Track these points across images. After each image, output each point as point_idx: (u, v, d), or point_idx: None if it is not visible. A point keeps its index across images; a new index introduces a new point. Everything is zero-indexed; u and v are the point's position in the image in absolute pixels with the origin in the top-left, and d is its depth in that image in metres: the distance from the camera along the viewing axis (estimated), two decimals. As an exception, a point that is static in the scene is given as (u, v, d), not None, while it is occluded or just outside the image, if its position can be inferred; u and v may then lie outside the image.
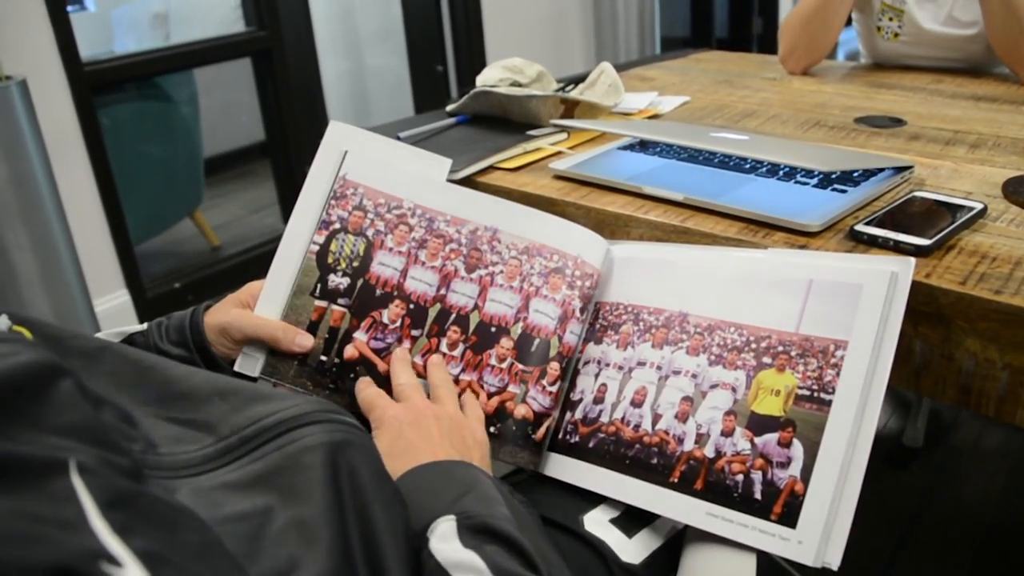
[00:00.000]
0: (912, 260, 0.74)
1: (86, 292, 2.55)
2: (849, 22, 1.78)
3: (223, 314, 0.86)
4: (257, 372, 0.85)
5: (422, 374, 0.84)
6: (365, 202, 0.89)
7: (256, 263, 3.19)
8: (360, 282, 0.87)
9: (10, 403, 0.42)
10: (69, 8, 2.65)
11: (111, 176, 2.78)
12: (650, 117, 1.42)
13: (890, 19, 1.69)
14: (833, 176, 1.02)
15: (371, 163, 0.90)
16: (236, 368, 0.85)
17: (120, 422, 0.57)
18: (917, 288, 0.78)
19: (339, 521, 0.54)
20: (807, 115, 1.38)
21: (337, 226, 0.89)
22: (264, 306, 0.87)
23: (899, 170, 1.04)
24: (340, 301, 0.87)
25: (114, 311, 2.83)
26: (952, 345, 0.78)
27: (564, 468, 0.82)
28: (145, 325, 0.87)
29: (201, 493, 0.54)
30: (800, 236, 0.89)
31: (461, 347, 0.85)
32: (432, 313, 0.86)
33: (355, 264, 0.88)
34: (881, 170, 1.04)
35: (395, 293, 0.87)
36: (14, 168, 2.26)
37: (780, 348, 0.75)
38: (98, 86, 2.74)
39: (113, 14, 4.92)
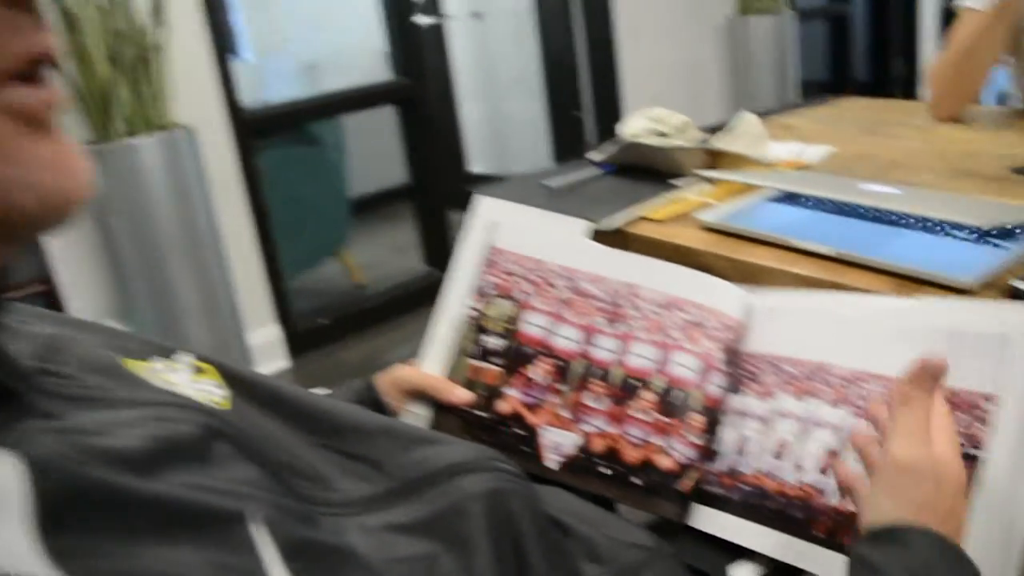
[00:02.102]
0: None
1: (240, 325, 2.69)
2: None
3: (393, 370, 0.95)
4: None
5: (569, 427, 0.88)
6: (514, 267, 0.95)
7: (398, 302, 3.31)
8: (511, 342, 0.93)
9: (179, 466, 0.46)
10: (230, 58, 2.83)
11: (267, 216, 2.93)
12: (795, 167, 1.43)
13: (1047, 64, 1.64)
14: (992, 232, 1.01)
15: (517, 231, 0.97)
16: None
17: (293, 458, 0.62)
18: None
19: (499, 569, 0.58)
20: (958, 165, 1.35)
21: (490, 291, 0.95)
22: (427, 364, 0.96)
23: (1060, 225, 1.01)
24: (494, 360, 0.93)
25: (265, 344, 2.97)
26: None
27: (708, 519, 0.84)
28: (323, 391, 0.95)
29: (370, 532, 0.57)
30: (955, 293, 0.88)
31: (605, 400, 0.89)
32: (577, 368, 0.90)
33: (507, 325, 0.94)
34: (1041, 225, 1.01)
35: (542, 351, 0.91)
36: (181, 208, 2.43)
37: None
38: (256, 132, 2.91)
39: (267, 63, 5.19)
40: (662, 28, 4.11)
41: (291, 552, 0.44)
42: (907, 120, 1.72)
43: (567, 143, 4.20)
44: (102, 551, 0.35)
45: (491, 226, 0.98)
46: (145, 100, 2.36)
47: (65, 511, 0.35)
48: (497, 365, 0.93)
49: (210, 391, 0.60)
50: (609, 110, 3.97)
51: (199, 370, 0.62)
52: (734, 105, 4.31)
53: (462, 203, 1.11)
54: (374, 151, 4.72)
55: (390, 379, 0.94)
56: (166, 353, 0.60)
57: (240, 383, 0.64)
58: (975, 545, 0.67)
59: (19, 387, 0.41)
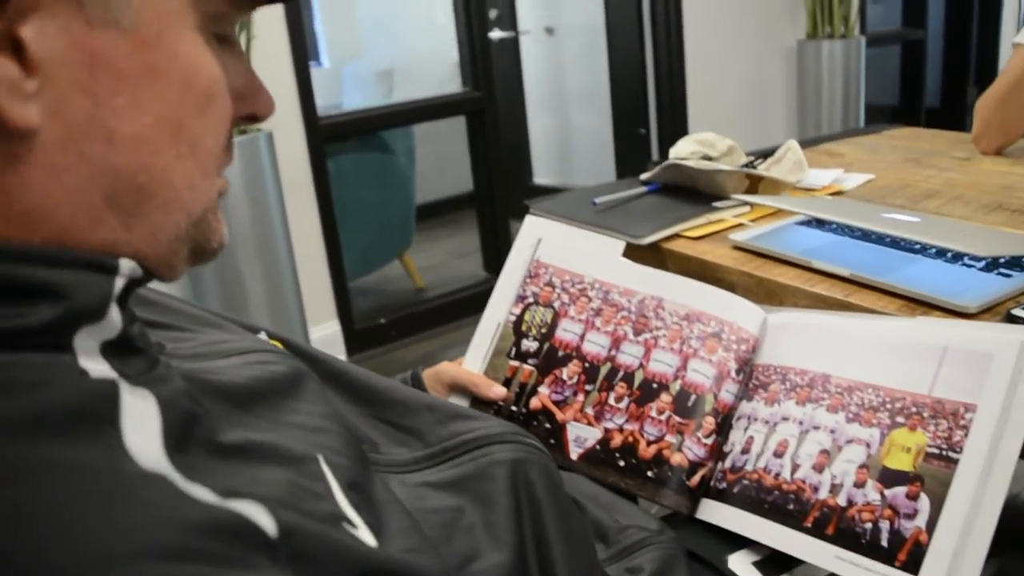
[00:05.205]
0: None
1: (304, 320, 2.83)
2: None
3: (438, 365, 1.04)
4: None
5: (592, 423, 0.97)
6: (554, 279, 1.05)
7: (456, 306, 3.41)
8: (546, 345, 1.03)
9: (274, 400, 0.58)
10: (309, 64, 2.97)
11: (333, 218, 3.07)
12: (832, 194, 1.49)
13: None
14: (1001, 260, 1.07)
15: (559, 247, 1.07)
16: None
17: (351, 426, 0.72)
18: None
19: (516, 523, 0.67)
20: (991, 197, 1.40)
21: (530, 299, 1.05)
22: (469, 362, 1.06)
23: (1072, 259, 1.06)
24: (529, 361, 1.03)
25: (326, 339, 3.10)
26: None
27: (712, 512, 0.92)
28: None
29: (409, 487, 0.68)
30: (957, 317, 0.95)
31: (626, 400, 0.98)
32: (603, 371, 1.00)
33: (543, 331, 1.04)
34: (1053, 257, 1.07)
35: (574, 354, 1.01)
36: (255, 208, 2.57)
37: (913, 409, 0.82)
38: (329, 137, 3.05)
39: (344, 70, 5.37)
40: (731, 49, 4.17)
41: (349, 485, 0.54)
42: (952, 152, 1.76)
43: (631, 159, 4.27)
44: (208, 469, 0.44)
45: (536, 241, 1.08)
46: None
47: (182, 437, 0.45)
48: (532, 365, 1.02)
49: None
50: (674, 128, 4.03)
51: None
52: (799, 128, 4.35)
53: (524, 213, 1.22)
54: (441, 158, 4.86)
55: (433, 372, 1.03)
56: (253, 330, 0.72)
57: (303, 357, 0.75)
58: (945, 539, 0.75)
59: (152, 350, 0.50)
